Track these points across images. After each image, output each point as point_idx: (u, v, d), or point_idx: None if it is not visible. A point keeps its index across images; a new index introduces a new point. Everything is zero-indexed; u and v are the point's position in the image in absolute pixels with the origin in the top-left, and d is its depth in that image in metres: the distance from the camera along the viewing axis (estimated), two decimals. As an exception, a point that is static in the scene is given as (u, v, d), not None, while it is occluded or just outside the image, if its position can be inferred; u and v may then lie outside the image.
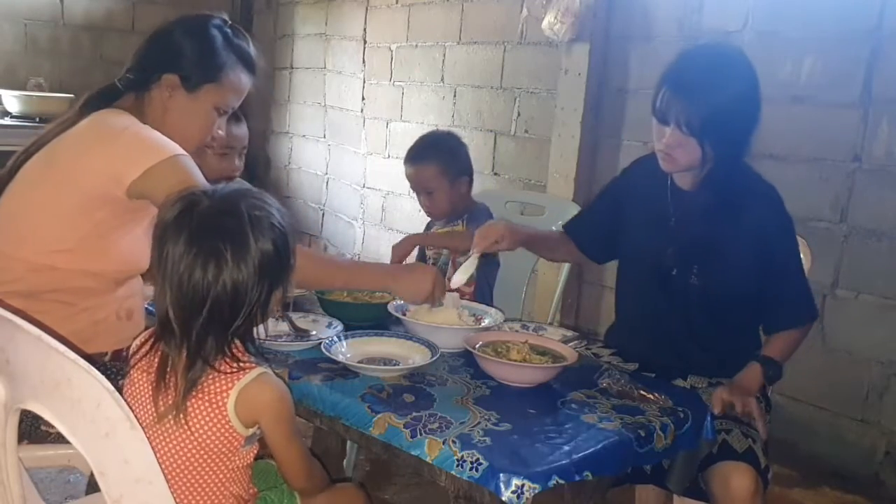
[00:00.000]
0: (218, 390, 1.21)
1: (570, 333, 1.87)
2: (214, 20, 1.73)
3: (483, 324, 1.79)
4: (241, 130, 2.32)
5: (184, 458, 1.22)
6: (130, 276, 1.70)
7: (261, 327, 1.29)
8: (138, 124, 1.62)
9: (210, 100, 1.70)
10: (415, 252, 2.33)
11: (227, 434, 1.22)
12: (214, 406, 1.20)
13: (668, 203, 1.85)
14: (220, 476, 1.25)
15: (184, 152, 1.59)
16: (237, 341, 1.24)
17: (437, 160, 2.29)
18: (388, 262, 2.11)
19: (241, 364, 1.22)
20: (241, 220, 1.19)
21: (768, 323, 1.84)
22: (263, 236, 1.20)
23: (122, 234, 1.62)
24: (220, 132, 1.78)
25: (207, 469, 1.23)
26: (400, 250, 2.16)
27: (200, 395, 1.21)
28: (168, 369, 1.21)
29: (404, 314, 1.77)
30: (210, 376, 1.21)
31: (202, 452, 1.22)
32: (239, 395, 1.20)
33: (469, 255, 1.86)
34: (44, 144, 1.64)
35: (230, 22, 1.76)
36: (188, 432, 1.21)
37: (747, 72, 1.73)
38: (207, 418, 1.21)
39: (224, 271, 1.17)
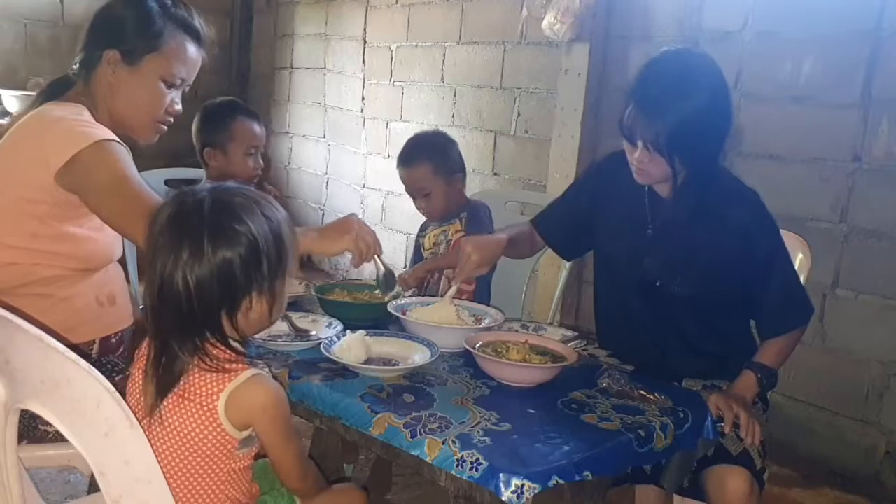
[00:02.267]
0: (207, 392, 1.20)
1: (569, 333, 1.87)
2: None
3: (483, 324, 1.79)
4: (263, 130, 2.43)
5: (178, 461, 1.22)
6: (97, 267, 1.67)
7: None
8: (74, 115, 1.60)
9: (154, 71, 1.66)
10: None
11: (219, 437, 1.21)
12: (204, 408, 1.20)
13: (645, 210, 1.82)
14: (216, 479, 1.24)
15: (113, 138, 1.56)
16: (216, 341, 1.22)
17: (429, 160, 2.27)
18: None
19: (230, 365, 1.21)
20: (201, 224, 1.19)
21: (763, 328, 1.81)
22: (227, 245, 1.19)
23: (72, 226, 1.59)
24: (177, 106, 1.73)
25: (202, 472, 1.23)
26: (413, 280, 2.12)
27: (190, 398, 1.20)
28: (153, 364, 1.22)
29: (404, 314, 1.77)
30: (200, 379, 1.20)
31: (195, 455, 1.22)
32: (229, 398, 1.20)
33: (451, 286, 1.87)
34: None
35: None
36: (180, 435, 1.21)
37: (713, 80, 1.69)
38: (198, 421, 1.20)
39: (179, 269, 1.17)
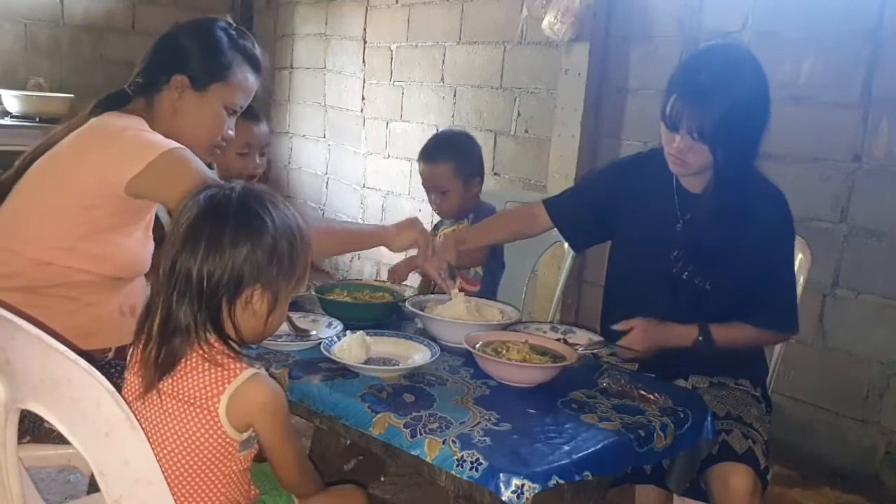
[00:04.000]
0: (208, 395, 1.20)
1: (596, 338, 1.86)
2: (219, 22, 1.77)
3: (503, 321, 1.79)
4: (261, 129, 2.41)
5: (178, 464, 1.22)
6: (129, 277, 1.71)
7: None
8: (137, 126, 1.65)
9: (219, 99, 1.74)
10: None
11: (220, 440, 1.21)
12: (205, 412, 1.19)
13: (674, 205, 1.84)
14: (216, 481, 1.24)
15: (181, 146, 1.61)
16: (211, 329, 1.22)
17: (452, 160, 2.29)
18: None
19: (229, 363, 1.21)
20: (228, 207, 1.23)
21: (744, 316, 1.79)
22: (248, 230, 1.22)
23: (120, 235, 1.64)
24: (230, 132, 1.81)
25: (203, 475, 1.22)
26: (397, 275, 2.16)
27: (190, 402, 1.20)
28: (148, 349, 1.22)
29: (423, 310, 1.77)
30: (200, 380, 1.20)
31: (196, 459, 1.21)
32: (231, 399, 1.20)
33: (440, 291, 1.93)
34: (51, 146, 1.67)
35: (234, 24, 1.80)
36: (181, 439, 1.20)
37: (757, 73, 1.71)
38: (199, 425, 1.20)
39: (198, 257, 1.20)
